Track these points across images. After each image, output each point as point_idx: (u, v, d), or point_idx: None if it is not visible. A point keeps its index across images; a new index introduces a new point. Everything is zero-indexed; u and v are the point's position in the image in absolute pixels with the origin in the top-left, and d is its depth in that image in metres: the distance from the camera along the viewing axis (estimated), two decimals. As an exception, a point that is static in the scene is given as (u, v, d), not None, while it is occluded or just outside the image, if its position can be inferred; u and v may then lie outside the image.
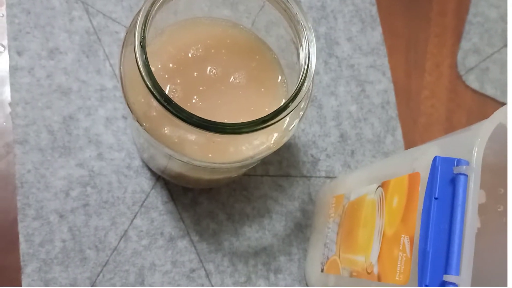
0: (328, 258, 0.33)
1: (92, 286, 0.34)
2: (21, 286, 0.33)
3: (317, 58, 0.40)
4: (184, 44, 0.29)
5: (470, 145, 0.21)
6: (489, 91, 0.43)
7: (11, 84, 0.35)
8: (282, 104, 0.23)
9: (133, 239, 0.35)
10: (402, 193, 0.25)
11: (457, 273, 0.20)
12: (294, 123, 0.27)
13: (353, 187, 0.32)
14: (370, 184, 0.30)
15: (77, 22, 0.37)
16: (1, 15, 0.36)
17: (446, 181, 0.21)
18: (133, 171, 0.36)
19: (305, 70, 0.24)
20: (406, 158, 0.27)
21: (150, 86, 0.22)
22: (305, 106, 0.27)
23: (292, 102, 0.23)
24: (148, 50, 0.27)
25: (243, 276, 0.36)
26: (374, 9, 0.43)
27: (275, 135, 0.27)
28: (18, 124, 0.35)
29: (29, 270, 0.33)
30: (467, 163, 0.21)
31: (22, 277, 0.33)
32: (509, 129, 0.22)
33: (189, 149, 0.25)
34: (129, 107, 0.25)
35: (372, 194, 0.29)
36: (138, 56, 0.22)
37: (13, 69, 0.35)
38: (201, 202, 0.36)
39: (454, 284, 0.20)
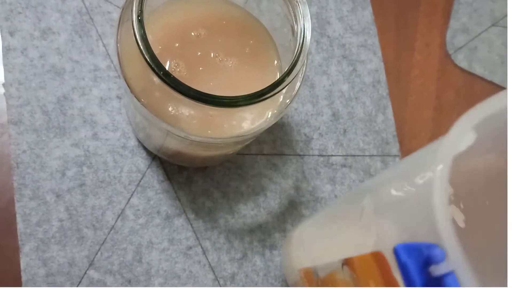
0: None
1: (90, 264, 0.34)
2: (19, 265, 0.33)
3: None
4: (177, 23, 0.29)
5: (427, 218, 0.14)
6: (478, 70, 0.44)
7: (4, 65, 0.35)
8: (278, 78, 0.24)
9: (130, 217, 0.35)
10: (375, 276, 0.19)
11: None
12: (288, 99, 0.27)
13: (313, 259, 0.26)
14: (330, 259, 0.23)
15: (69, 2, 0.37)
16: (-8, -5, 0.36)
17: (425, 278, 0.15)
18: (128, 151, 0.36)
19: (300, 44, 0.24)
20: (360, 223, 0.21)
21: (149, 60, 0.22)
22: (300, 82, 0.27)
23: (288, 76, 0.24)
24: (146, 27, 0.27)
25: (239, 252, 0.36)
26: (365, -11, 0.43)
27: (270, 112, 0.28)
28: (12, 105, 0.35)
29: (27, 249, 0.33)
30: (442, 254, 0.14)
31: (20, 256, 0.33)
32: (509, 128, 0.18)
33: (186, 124, 0.26)
34: (127, 84, 0.25)
35: (340, 274, 0.22)
36: (136, 30, 0.22)
37: (6, 50, 0.35)
38: (197, 180, 0.37)
39: None
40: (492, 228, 0.20)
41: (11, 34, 0.35)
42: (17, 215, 0.33)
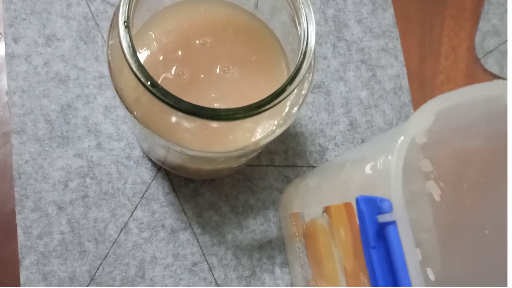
0: (309, 282, 0.30)
1: (91, 279, 0.33)
2: (19, 279, 0.32)
3: (325, 42, 0.38)
4: (181, 30, 0.28)
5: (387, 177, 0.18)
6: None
7: (8, 73, 0.34)
8: (279, 87, 0.22)
9: (134, 231, 0.34)
10: (345, 224, 0.22)
11: None
12: (295, 109, 0.25)
13: (303, 206, 0.29)
14: (315, 206, 0.26)
15: (75, 7, 0.36)
16: (-3, 1, 0.35)
17: (377, 227, 0.18)
18: (133, 162, 0.35)
19: (303, 50, 0.22)
20: (339, 179, 0.24)
21: (134, 69, 0.20)
22: (307, 90, 0.25)
23: (290, 86, 0.22)
24: (145, 34, 0.26)
25: (247, 270, 0.34)
26: (386, -10, 0.41)
27: (276, 122, 0.26)
28: (15, 113, 0.34)
29: (27, 262, 0.32)
30: (390, 207, 0.18)
31: (20, 270, 0.32)
32: (509, 127, 0.20)
33: (182, 138, 0.24)
34: (118, 94, 0.24)
35: (320, 219, 0.26)
36: (121, 37, 0.20)
37: (10, 57, 0.34)
38: (203, 193, 0.35)
39: None
40: (466, 208, 0.23)
41: (15, 41, 0.35)
42: (18, 227, 0.33)
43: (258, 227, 0.35)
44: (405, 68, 0.40)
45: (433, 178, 0.24)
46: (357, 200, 0.18)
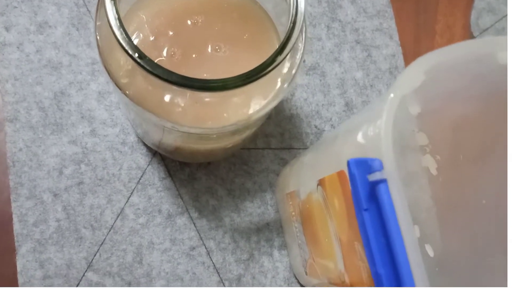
0: (306, 261, 0.30)
1: (88, 266, 0.32)
2: (16, 267, 0.32)
3: (319, 23, 0.38)
4: (172, 9, 0.27)
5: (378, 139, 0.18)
6: (506, 52, 0.40)
7: (0, 61, 0.34)
8: (269, 56, 0.21)
9: (130, 217, 0.34)
10: (338, 194, 0.22)
11: None
12: (286, 84, 0.25)
13: (299, 183, 0.29)
14: (311, 181, 0.26)
15: (65, -6, 0.36)
16: (-13, -10, 0.35)
17: (368, 188, 0.18)
18: (128, 147, 0.34)
19: (293, 16, 0.22)
20: (332, 150, 0.24)
21: (121, 41, 0.20)
22: (298, 64, 0.25)
23: (280, 55, 0.21)
24: (135, 15, 0.26)
25: (246, 253, 0.34)
26: (379, -30, 0.40)
27: (267, 96, 0.25)
28: (8, 102, 0.34)
29: (23, 250, 0.32)
30: (381, 165, 0.18)
31: (16, 258, 0.32)
32: (510, 126, 0.19)
33: (174, 114, 0.24)
34: (109, 75, 0.23)
35: (315, 193, 0.26)
36: (107, 9, 0.20)
37: (1, 45, 0.34)
38: (200, 177, 0.35)
39: None
40: (463, 180, 0.23)
41: (7, 29, 0.34)
42: (14, 216, 0.32)
43: (255, 210, 0.35)
44: (400, 47, 0.39)
45: (429, 151, 0.23)
46: (348, 163, 0.18)
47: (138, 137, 0.35)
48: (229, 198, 0.35)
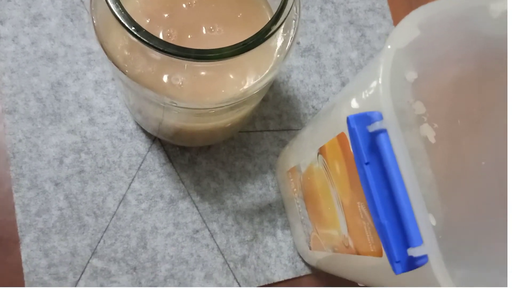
0: (309, 236, 0.30)
1: (93, 253, 0.32)
2: (20, 256, 0.32)
3: (312, 5, 0.38)
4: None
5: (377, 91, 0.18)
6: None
7: (-5, 54, 0.34)
8: (264, 26, 0.22)
9: (132, 203, 0.34)
10: (339, 157, 0.22)
11: (419, 242, 0.17)
12: (281, 55, 0.25)
13: (299, 157, 0.29)
14: (311, 152, 0.27)
15: (58, -15, 0.36)
16: (-19, -16, 0.35)
17: (369, 141, 0.18)
18: (127, 134, 0.35)
19: (285, -14, 0.22)
20: (330, 117, 0.24)
21: (117, 14, 0.20)
22: (292, 39, 0.25)
23: (275, 24, 0.22)
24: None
25: (249, 234, 0.34)
26: (369, -50, 0.41)
27: (263, 71, 0.25)
28: (6, 94, 0.34)
29: (27, 240, 0.32)
30: (380, 116, 0.18)
31: (20, 247, 0.32)
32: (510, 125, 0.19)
33: (171, 89, 0.24)
34: (107, 55, 0.24)
35: (316, 163, 0.26)
36: (102, -17, 0.20)
37: (-4, 38, 0.34)
38: (200, 162, 0.35)
39: (422, 256, 0.17)
40: (462, 145, 0.23)
41: (1, 22, 0.35)
42: (16, 206, 0.32)
43: (257, 191, 0.35)
44: (393, 26, 0.40)
45: (426, 120, 0.24)
46: (348, 119, 0.18)
47: (137, 124, 0.35)
48: (230, 181, 0.35)
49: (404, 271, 0.17)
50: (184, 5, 0.28)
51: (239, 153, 0.36)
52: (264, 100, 0.36)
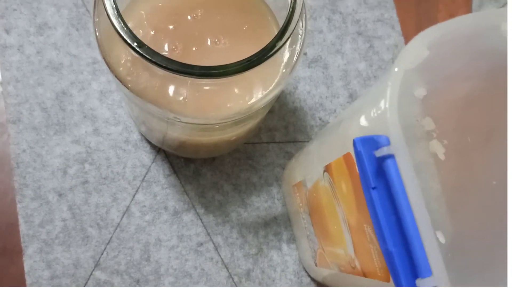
0: (316, 252, 0.30)
1: (96, 265, 0.32)
2: (23, 268, 0.32)
3: (320, 16, 0.38)
4: (172, 3, 0.27)
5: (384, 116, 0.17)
6: (510, 38, 0.40)
7: (1, 63, 0.34)
8: (268, 43, 0.21)
9: (136, 214, 0.33)
10: (346, 177, 0.22)
11: (429, 273, 0.16)
12: (287, 70, 0.24)
13: (305, 172, 0.29)
14: (317, 168, 0.26)
15: (65, -5, 0.36)
16: (-13, -7, 0.35)
17: (376, 165, 0.18)
18: (131, 145, 0.34)
19: (292, 1, 0.21)
20: (338, 133, 0.24)
21: (119, 31, 0.20)
22: (299, 52, 0.25)
23: (280, 40, 0.21)
24: (134, 11, 0.25)
25: (254, 247, 0.34)
26: (378, -40, 0.40)
27: (268, 85, 0.25)
28: (10, 103, 0.34)
29: (30, 251, 0.32)
30: (387, 141, 0.17)
31: (23, 258, 0.32)
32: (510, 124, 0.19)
33: (175, 104, 0.23)
34: (110, 69, 0.23)
35: (322, 181, 0.25)
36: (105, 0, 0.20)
37: (2, 48, 0.34)
38: (205, 173, 0.35)
39: (431, 285, 0.16)
40: (472, 163, 0.22)
41: (7, 31, 0.34)
42: (19, 217, 0.32)
43: (262, 204, 0.35)
44: (402, 37, 0.39)
45: (436, 137, 0.23)
46: (354, 142, 0.18)
47: (142, 135, 0.35)
48: (235, 193, 0.35)
49: None
50: (189, 17, 0.28)
51: (244, 165, 0.35)
52: (270, 111, 0.36)
